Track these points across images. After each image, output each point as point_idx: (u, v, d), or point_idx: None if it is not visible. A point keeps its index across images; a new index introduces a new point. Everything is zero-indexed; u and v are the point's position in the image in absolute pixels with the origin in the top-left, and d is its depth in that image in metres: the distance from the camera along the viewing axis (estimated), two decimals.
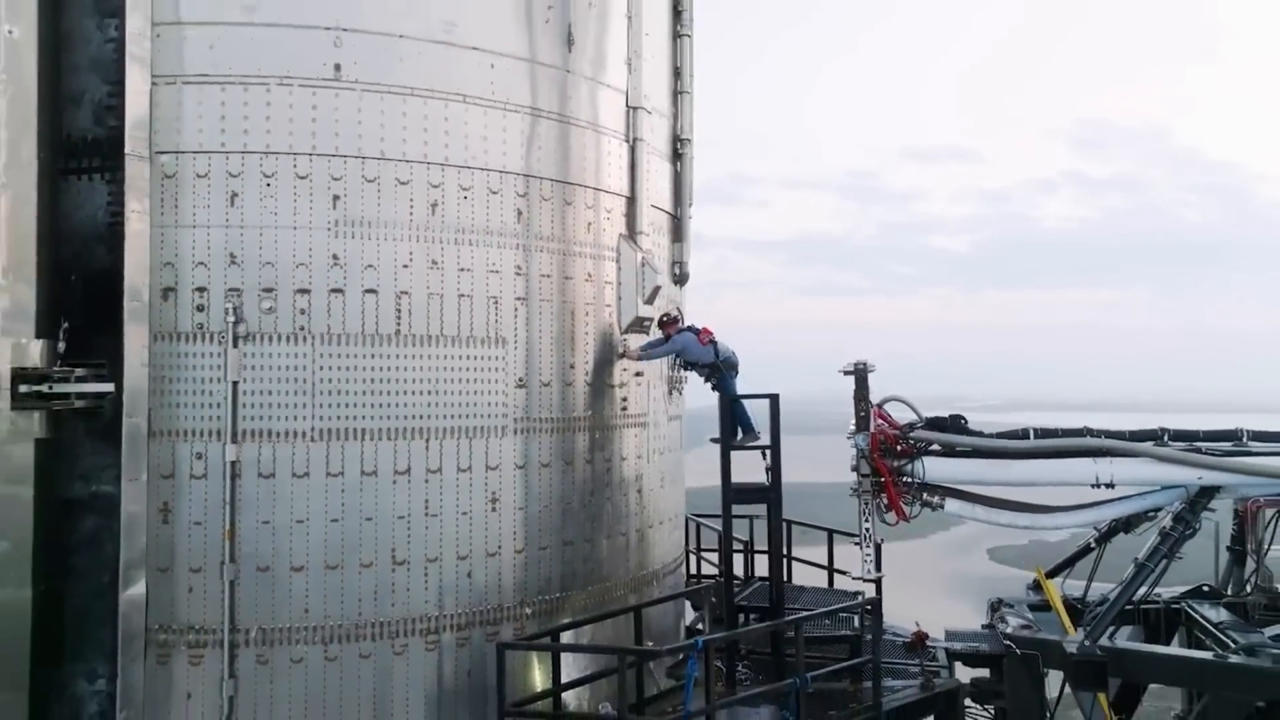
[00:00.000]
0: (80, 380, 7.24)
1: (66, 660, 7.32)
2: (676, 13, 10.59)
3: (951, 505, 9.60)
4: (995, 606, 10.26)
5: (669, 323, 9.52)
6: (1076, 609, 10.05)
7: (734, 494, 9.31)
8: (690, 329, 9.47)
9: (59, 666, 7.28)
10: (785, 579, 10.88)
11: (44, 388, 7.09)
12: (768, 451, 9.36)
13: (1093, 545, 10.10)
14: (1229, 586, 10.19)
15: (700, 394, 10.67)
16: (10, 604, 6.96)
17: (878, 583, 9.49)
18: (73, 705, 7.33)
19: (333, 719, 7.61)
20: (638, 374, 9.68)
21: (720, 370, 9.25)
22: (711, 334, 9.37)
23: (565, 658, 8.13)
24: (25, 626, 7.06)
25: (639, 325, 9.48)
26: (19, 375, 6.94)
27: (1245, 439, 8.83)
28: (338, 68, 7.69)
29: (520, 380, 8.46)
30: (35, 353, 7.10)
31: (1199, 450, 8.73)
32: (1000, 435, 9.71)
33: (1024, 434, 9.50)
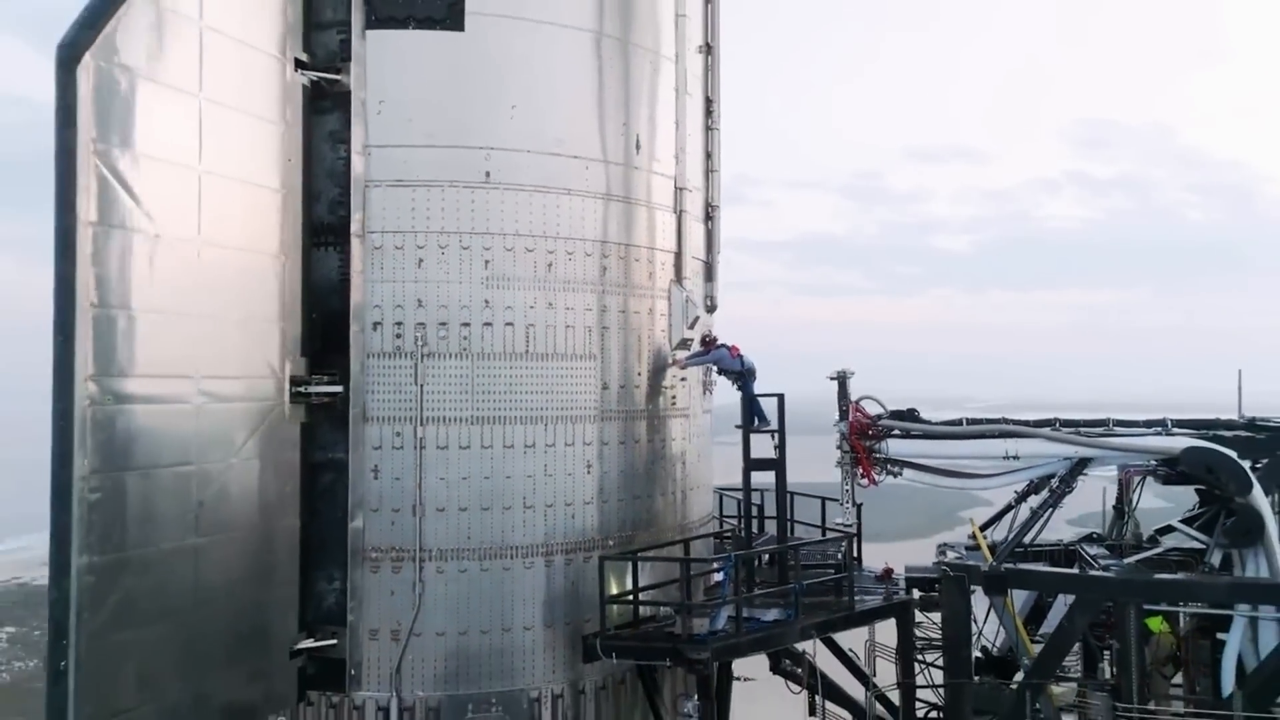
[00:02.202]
0: (321, 384, 11.02)
1: (315, 569, 11.10)
2: (709, 112, 14.32)
3: (908, 473, 13.37)
4: (941, 550, 13.98)
5: (709, 341, 13.27)
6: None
7: (751, 464, 13.09)
8: (724, 345, 13.20)
9: (311, 572, 11.05)
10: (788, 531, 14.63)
11: (303, 389, 10.87)
12: (775, 434, 13.15)
13: (1013, 504, 13.80)
14: (1111, 533, 13.91)
15: (724, 394, 14.46)
16: (287, 529, 10.73)
17: (855, 532, 13.28)
18: (320, 598, 11.11)
19: (483, 609, 11.34)
20: (682, 379, 13.41)
21: (744, 376, 12.97)
22: (739, 350, 13.08)
23: (641, 570, 11.84)
24: (295, 545, 10.84)
25: (683, 344, 13.23)
26: (293, 381, 10.71)
27: (1111, 425, 12.56)
28: (488, 174, 11.44)
29: (605, 384, 12.19)
30: (301, 366, 10.87)
31: (1077, 433, 12.46)
32: (943, 423, 13.44)
33: (959, 423, 13.25)
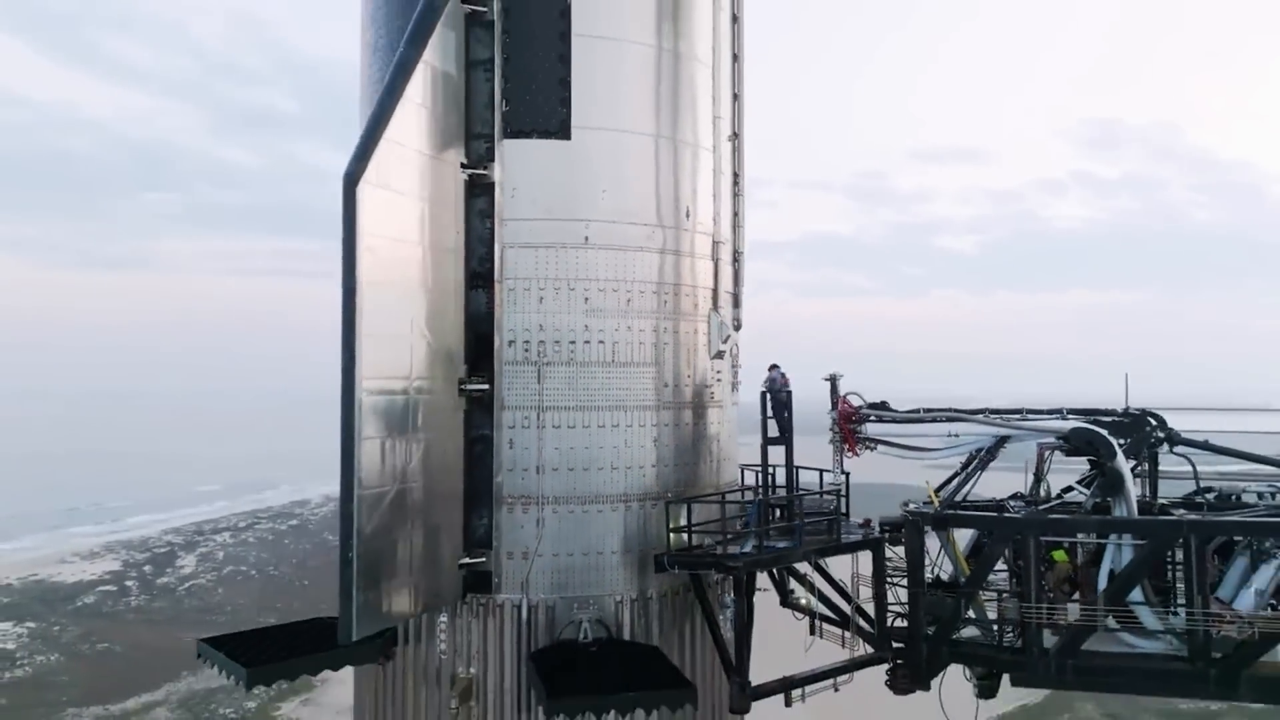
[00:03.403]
0: (476, 383, 16.11)
1: (472, 509, 16.20)
2: (735, 182, 19.36)
3: (881, 449, 18.41)
4: (905, 504, 18.98)
5: (771, 366, 18.37)
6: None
7: (768, 440, 18.19)
8: (780, 372, 18.29)
9: (470, 511, 16.15)
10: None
11: (464, 386, 15.96)
12: (787, 411, 18.27)
13: (958, 472, 18.78)
14: (1030, 493, 18.92)
15: (746, 393, 19.55)
16: (456, 481, 15.84)
17: (845, 485, 18.37)
18: (475, 529, 16.22)
19: (582, 539, 16.37)
20: (717, 378, 18.48)
21: (785, 393, 18.07)
22: (788, 379, 18.14)
23: (692, 512, 16.90)
24: (460, 493, 15.95)
25: (719, 355, 18.30)
26: (460, 381, 15.82)
27: (1025, 414, 17.59)
28: (586, 239, 16.51)
29: (664, 383, 17.25)
30: (464, 371, 15.99)
31: (1001, 418, 17.48)
32: (905, 412, 18.46)
33: (917, 412, 18.26)
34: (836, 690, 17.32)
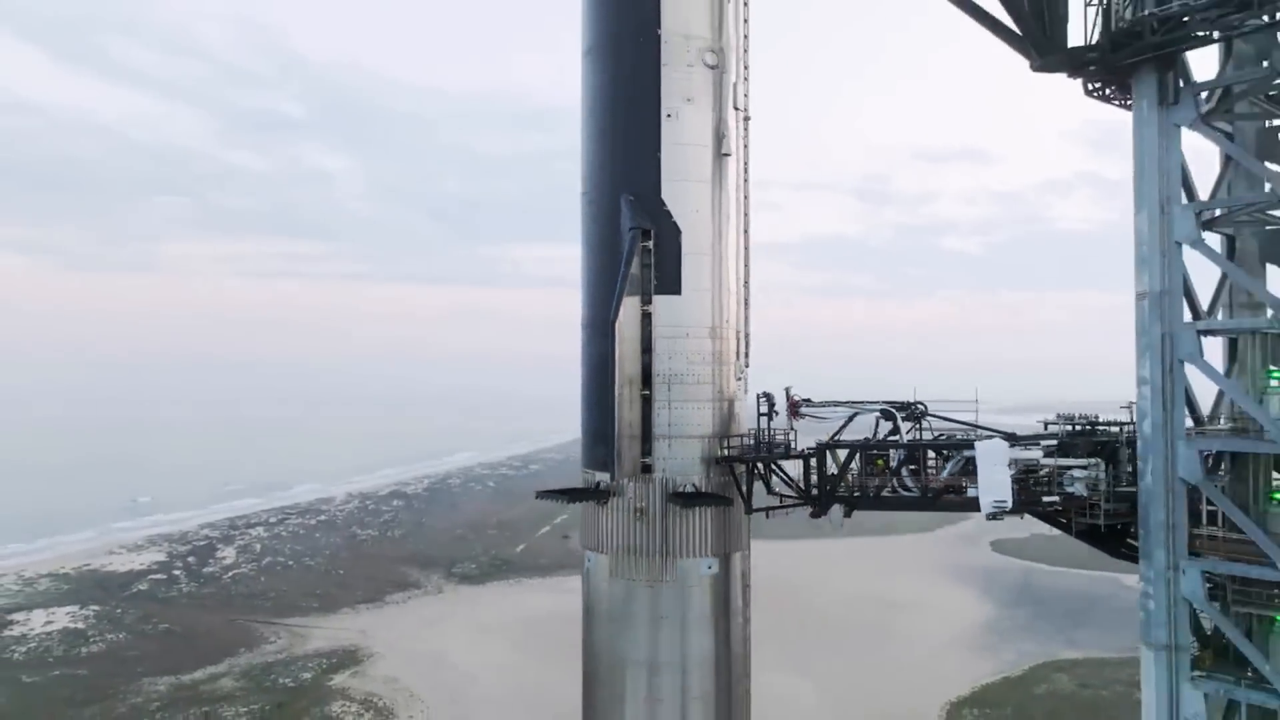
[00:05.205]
0: (644, 391, 40.75)
1: (644, 440, 40.85)
2: (746, 285, 43.75)
3: (809, 419, 42.95)
4: (819, 441, 43.53)
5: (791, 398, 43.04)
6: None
7: (760, 414, 42.91)
8: (768, 393, 42.91)
9: (644, 440, 40.77)
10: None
11: (642, 393, 40.65)
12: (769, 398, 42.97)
13: (841, 428, 43.11)
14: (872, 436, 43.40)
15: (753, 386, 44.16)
16: (637, 432, 40.49)
17: (794, 435, 42.99)
18: (645, 448, 40.89)
19: (684, 455, 40.95)
20: (738, 388, 43.01)
21: (771, 401, 42.53)
22: (772, 396, 42.50)
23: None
24: (639, 434, 40.60)
25: (738, 378, 42.86)
26: (642, 391, 40.49)
27: (914, 400, 42.02)
28: (687, 334, 41.05)
29: (716, 391, 41.75)
30: (640, 385, 40.71)
31: (864, 404, 41.96)
32: (822, 403, 42.94)
33: (832, 403, 42.72)
34: (787, 514, 41.86)
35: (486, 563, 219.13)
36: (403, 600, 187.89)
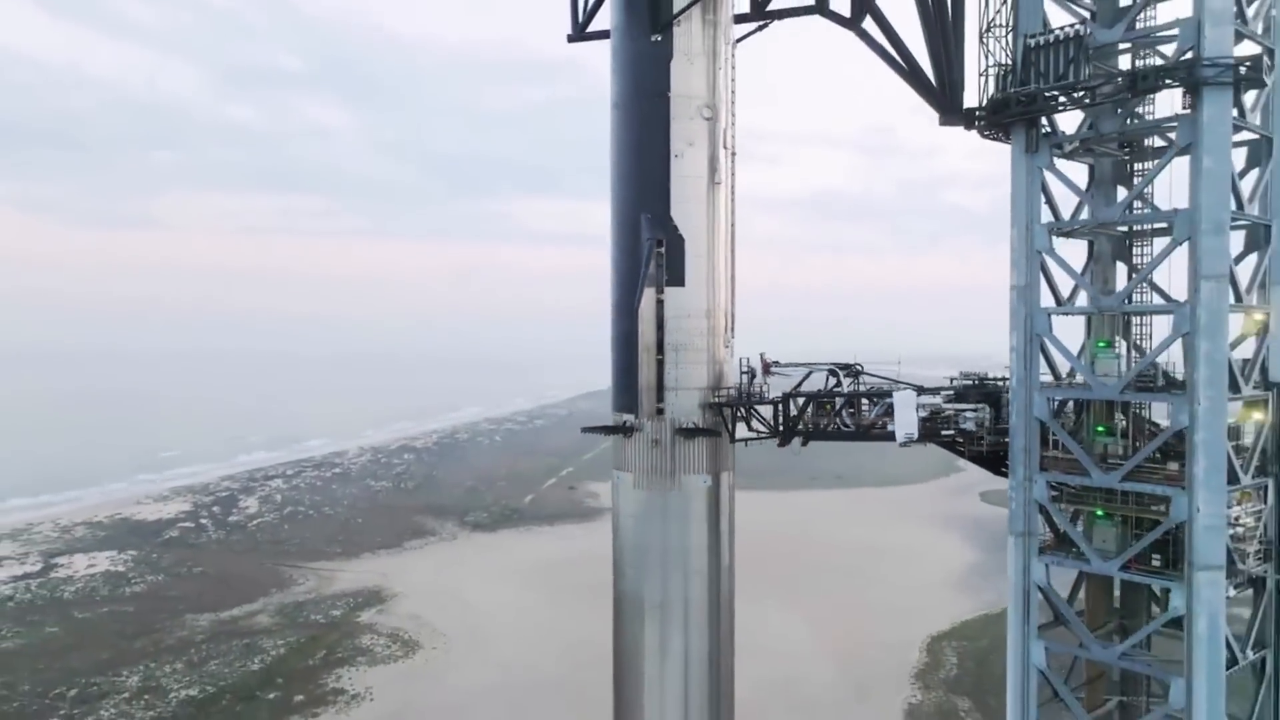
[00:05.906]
0: (658, 356, 56.34)
1: (659, 391, 56.51)
2: (732, 279, 59.09)
3: (780, 379, 58.53)
4: (784, 392, 59.07)
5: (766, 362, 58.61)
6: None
7: (742, 373, 58.59)
8: (746, 360, 58.48)
9: (658, 390, 56.41)
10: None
11: (657, 357, 56.19)
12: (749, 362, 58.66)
13: (800, 381, 58.63)
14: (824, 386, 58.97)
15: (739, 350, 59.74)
16: (654, 383, 56.17)
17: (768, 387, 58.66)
18: (661, 397, 56.59)
19: (687, 401, 56.49)
20: (727, 354, 58.51)
21: (750, 367, 58.03)
22: (752, 365, 58.02)
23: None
24: (654, 386, 56.28)
25: (726, 346, 58.32)
26: (657, 357, 56.08)
27: (854, 361, 57.58)
28: (689, 315, 56.47)
29: (710, 356, 57.25)
30: (657, 351, 56.27)
31: (817, 365, 57.50)
32: (788, 364, 58.47)
33: (796, 363, 58.23)
34: (746, 446, 57.44)
35: (497, 512, 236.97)
36: (420, 546, 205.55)
